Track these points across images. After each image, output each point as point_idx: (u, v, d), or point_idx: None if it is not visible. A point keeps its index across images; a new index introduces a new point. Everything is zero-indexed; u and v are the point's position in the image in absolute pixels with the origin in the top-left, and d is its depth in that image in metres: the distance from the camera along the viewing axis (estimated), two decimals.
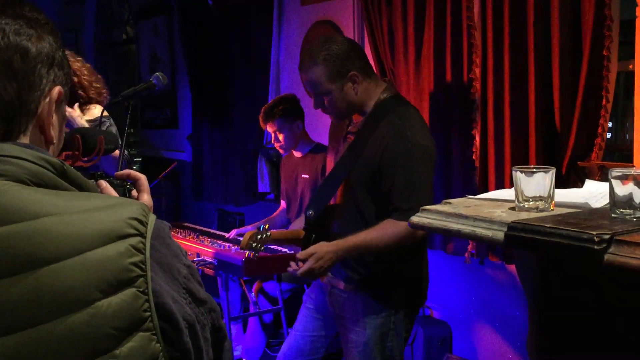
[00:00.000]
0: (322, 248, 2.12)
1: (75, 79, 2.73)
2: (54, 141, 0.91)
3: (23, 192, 0.76)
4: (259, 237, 2.15)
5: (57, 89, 0.89)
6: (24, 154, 0.79)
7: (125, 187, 1.19)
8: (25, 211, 0.74)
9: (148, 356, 0.75)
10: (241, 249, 2.12)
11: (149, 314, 0.75)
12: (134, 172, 1.19)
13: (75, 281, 0.72)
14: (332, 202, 2.32)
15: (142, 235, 0.78)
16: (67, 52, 0.97)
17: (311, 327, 2.46)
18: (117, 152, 2.28)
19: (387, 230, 2.12)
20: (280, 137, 3.36)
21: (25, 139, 0.86)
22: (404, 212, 2.05)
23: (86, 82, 2.80)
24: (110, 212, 0.78)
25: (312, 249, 2.13)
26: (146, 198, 1.16)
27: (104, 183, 1.12)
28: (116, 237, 0.76)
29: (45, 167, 0.79)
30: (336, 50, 2.18)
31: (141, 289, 0.75)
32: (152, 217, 0.81)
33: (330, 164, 2.38)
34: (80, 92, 2.77)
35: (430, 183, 2.18)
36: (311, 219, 2.25)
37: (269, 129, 3.40)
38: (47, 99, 0.87)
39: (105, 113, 2.60)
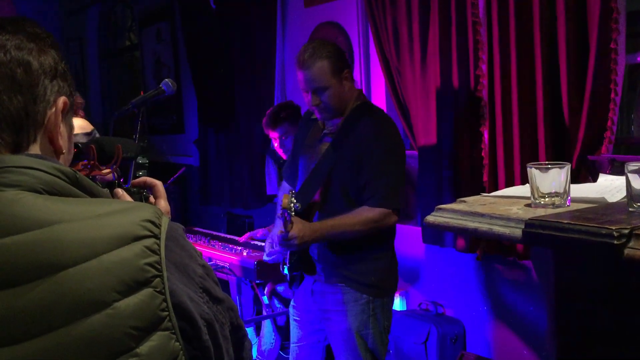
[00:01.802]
0: (306, 225, 2.37)
1: None
2: (63, 151, 0.92)
3: (37, 201, 0.77)
4: (293, 198, 2.34)
5: (62, 100, 0.91)
6: (37, 164, 0.80)
7: (142, 195, 1.20)
8: (40, 219, 0.75)
9: (168, 355, 0.76)
10: (282, 208, 2.32)
11: (166, 313, 0.76)
12: (150, 179, 1.20)
13: (94, 283, 0.73)
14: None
15: (156, 236, 0.79)
16: None
17: (303, 337, 2.64)
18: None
19: (361, 214, 2.38)
20: (287, 140, 3.36)
21: (35, 149, 0.88)
22: (378, 199, 2.37)
23: None
24: (124, 215, 0.79)
25: (298, 224, 2.35)
26: (163, 204, 1.18)
27: (120, 191, 1.14)
28: (131, 239, 0.77)
29: (58, 177, 0.81)
30: (335, 48, 2.46)
31: (158, 289, 0.76)
32: (165, 219, 0.83)
33: (305, 164, 2.56)
34: None
35: (403, 176, 2.48)
36: (299, 210, 2.45)
37: (274, 135, 3.41)
38: (53, 110, 0.89)
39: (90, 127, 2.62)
